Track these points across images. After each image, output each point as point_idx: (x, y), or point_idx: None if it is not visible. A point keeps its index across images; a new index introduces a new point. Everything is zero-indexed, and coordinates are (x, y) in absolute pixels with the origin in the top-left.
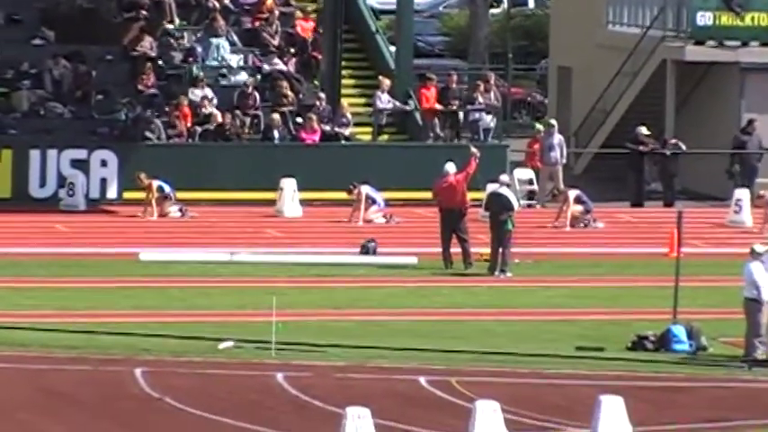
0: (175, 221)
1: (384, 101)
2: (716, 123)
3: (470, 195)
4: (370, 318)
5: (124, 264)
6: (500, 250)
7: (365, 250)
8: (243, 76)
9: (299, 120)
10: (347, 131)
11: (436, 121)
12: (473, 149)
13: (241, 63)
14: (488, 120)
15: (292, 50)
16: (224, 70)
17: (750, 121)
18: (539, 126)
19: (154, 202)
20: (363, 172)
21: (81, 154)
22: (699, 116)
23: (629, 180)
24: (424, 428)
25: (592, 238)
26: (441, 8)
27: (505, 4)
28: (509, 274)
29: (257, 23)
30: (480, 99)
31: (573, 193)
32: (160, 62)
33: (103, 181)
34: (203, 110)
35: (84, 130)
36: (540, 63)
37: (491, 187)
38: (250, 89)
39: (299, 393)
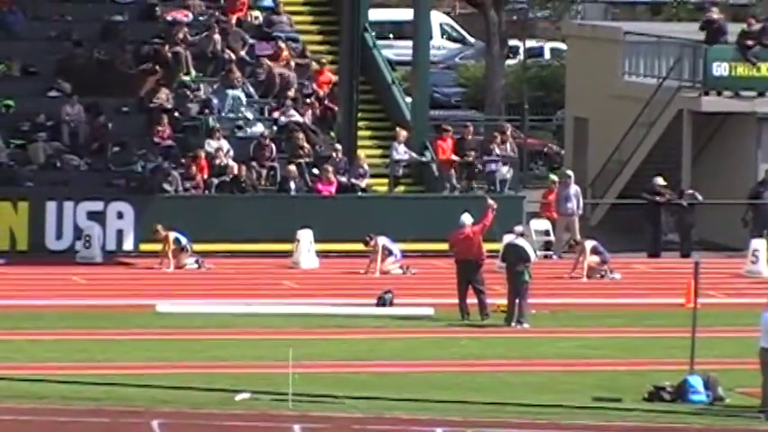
0: (192, 273)
1: (400, 152)
2: (732, 174)
3: (487, 246)
4: (387, 369)
5: (141, 315)
6: (517, 301)
7: (382, 301)
8: (259, 128)
9: (316, 171)
10: (363, 183)
11: (452, 172)
12: (490, 201)
13: (257, 114)
14: (505, 171)
15: (308, 102)
16: (240, 122)
17: None
18: (554, 177)
19: (170, 253)
20: (380, 223)
21: (97, 206)
22: (715, 167)
23: (646, 231)
24: None
25: (608, 288)
26: (457, 59)
27: (521, 55)
28: (526, 325)
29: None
30: (497, 150)
31: (589, 244)
32: (176, 114)
33: (120, 233)
34: (219, 161)
35: (100, 182)
36: (556, 114)
37: (508, 238)
38: (266, 141)
39: None
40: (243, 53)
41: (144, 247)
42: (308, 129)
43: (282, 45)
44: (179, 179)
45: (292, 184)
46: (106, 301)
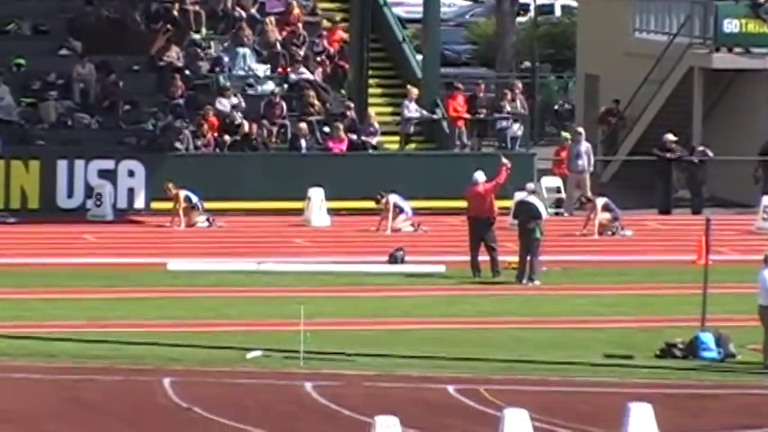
0: (203, 231)
1: (411, 110)
2: (743, 130)
3: (499, 204)
4: (399, 326)
5: (152, 274)
6: (528, 258)
7: (393, 259)
8: (269, 86)
9: (327, 129)
10: (374, 140)
11: (463, 129)
12: (504, 159)
13: (267, 72)
14: (516, 128)
15: (319, 59)
16: (250, 80)
17: None
18: (565, 134)
19: (181, 212)
20: (391, 181)
21: (108, 164)
22: (726, 123)
23: (657, 187)
24: None
25: (619, 245)
26: (467, 17)
27: (532, 13)
28: (537, 283)
29: (284, 33)
30: (507, 107)
31: (600, 201)
32: (187, 72)
33: (131, 191)
34: (230, 119)
35: (111, 141)
36: (567, 71)
37: (519, 195)
38: (277, 98)
39: (327, 402)
40: (253, 11)
41: (155, 205)
42: (318, 86)
43: (293, 2)
44: (190, 137)
45: (303, 142)
46: (117, 260)
